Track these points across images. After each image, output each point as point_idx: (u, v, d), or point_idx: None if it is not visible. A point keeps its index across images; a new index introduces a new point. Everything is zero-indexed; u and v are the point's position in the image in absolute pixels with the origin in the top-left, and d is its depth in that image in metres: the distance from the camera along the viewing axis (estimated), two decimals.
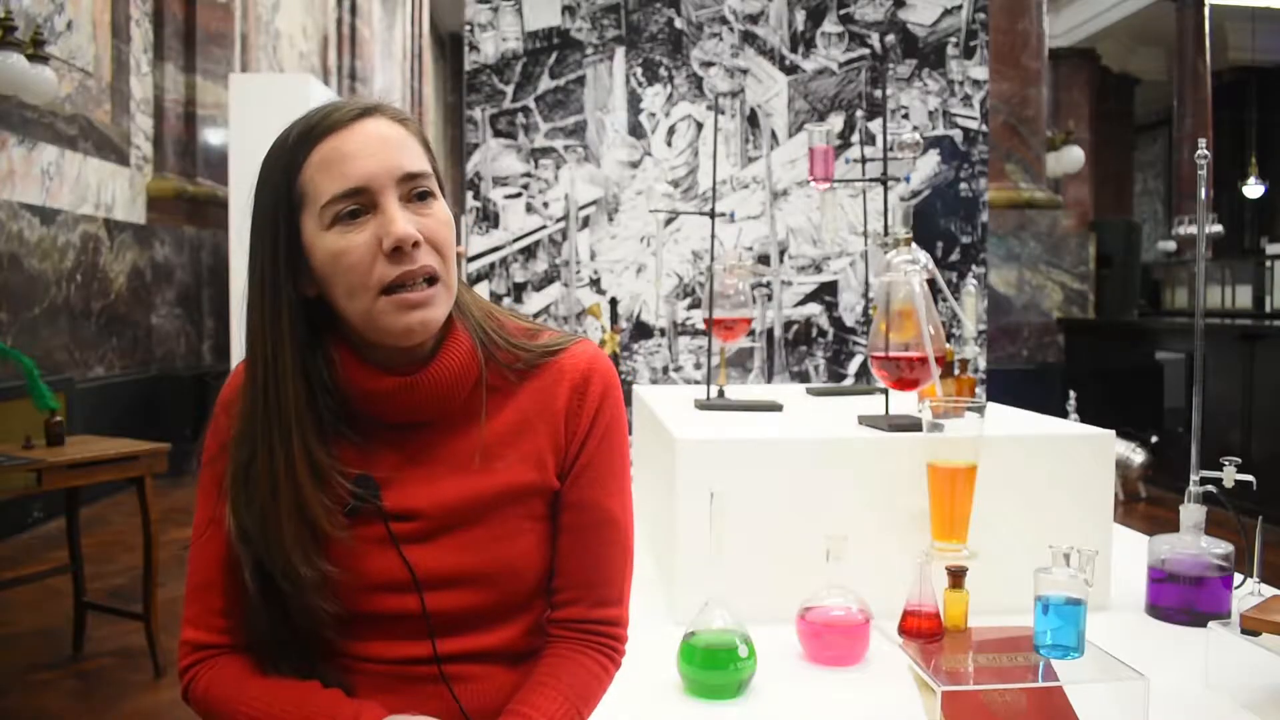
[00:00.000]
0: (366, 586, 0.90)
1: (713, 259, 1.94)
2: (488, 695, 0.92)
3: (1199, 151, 1.45)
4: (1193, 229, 7.89)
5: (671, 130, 3.33)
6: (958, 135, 3.41)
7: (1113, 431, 1.51)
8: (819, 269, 3.36)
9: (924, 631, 1.25)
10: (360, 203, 0.85)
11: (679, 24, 3.32)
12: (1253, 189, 10.28)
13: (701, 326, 3.23)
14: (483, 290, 3.21)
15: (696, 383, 3.26)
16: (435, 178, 0.91)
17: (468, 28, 3.28)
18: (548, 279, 3.28)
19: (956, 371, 1.78)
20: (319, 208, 0.85)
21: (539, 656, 0.96)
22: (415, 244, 0.85)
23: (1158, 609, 1.42)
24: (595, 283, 3.28)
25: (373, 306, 0.85)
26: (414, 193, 0.87)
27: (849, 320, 3.37)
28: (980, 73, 3.42)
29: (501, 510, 0.92)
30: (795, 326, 3.37)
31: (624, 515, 0.98)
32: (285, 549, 0.86)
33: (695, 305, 3.29)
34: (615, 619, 0.97)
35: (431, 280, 0.86)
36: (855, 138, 3.34)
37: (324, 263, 0.86)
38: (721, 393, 1.91)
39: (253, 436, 0.88)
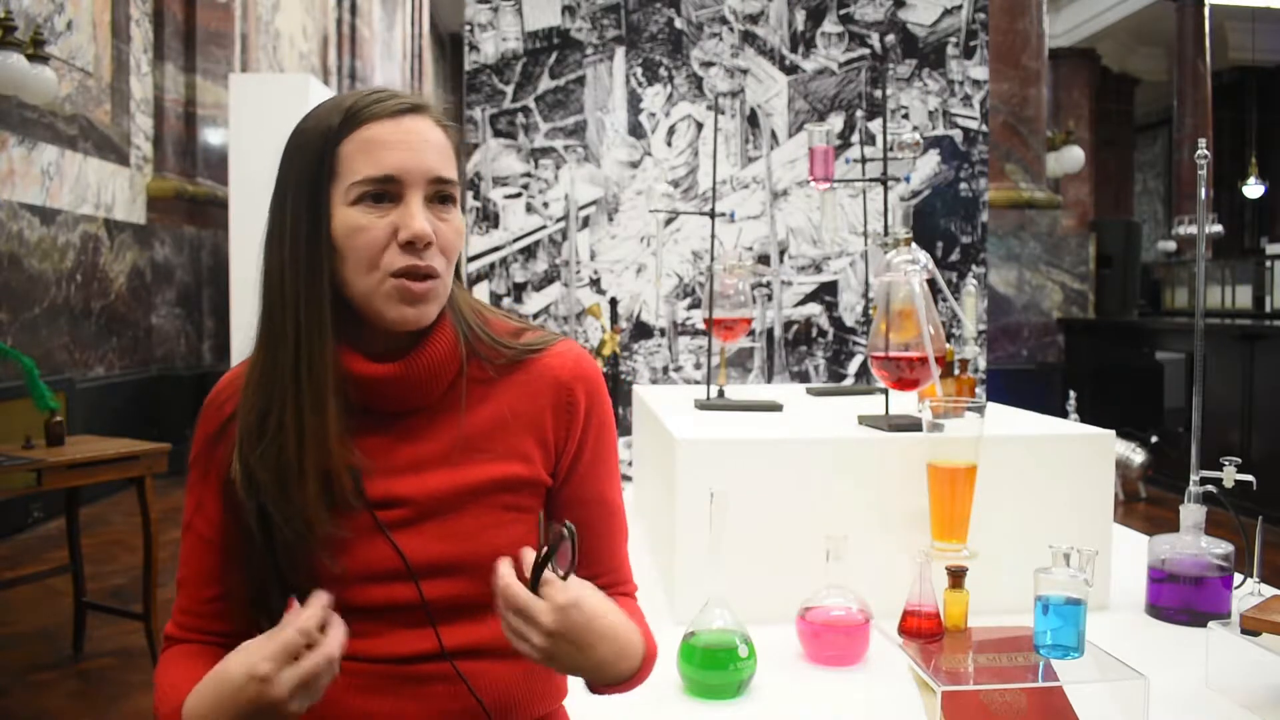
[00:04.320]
0: (356, 577, 0.90)
1: (713, 259, 1.94)
2: (488, 690, 0.92)
3: (1199, 151, 1.45)
4: (1193, 229, 7.89)
5: (671, 130, 3.33)
6: (958, 135, 3.41)
7: (1113, 431, 1.51)
8: (819, 269, 3.36)
9: (924, 631, 1.25)
10: (387, 189, 0.88)
11: (679, 24, 3.32)
12: (1253, 189, 10.28)
13: (701, 326, 3.23)
14: (482, 290, 3.20)
15: (696, 383, 3.25)
16: (460, 188, 0.94)
17: (468, 28, 3.28)
18: (548, 279, 3.28)
19: (956, 371, 1.78)
20: (347, 184, 0.88)
21: None
22: (428, 244, 0.88)
23: (1158, 609, 1.42)
24: (595, 283, 3.28)
25: (378, 287, 0.88)
26: (438, 195, 0.90)
27: (849, 320, 3.37)
28: (980, 73, 3.42)
29: (485, 500, 0.94)
30: (795, 326, 3.37)
31: (621, 499, 1.05)
32: (307, 504, 0.88)
33: (695, 305, 3.29)
34: (631, 590, 1.05)
35: (432, 277, 0.89)
36: (855, 138, 3.34)
37: (340, 233, 0.88)
38: (721, 393, 1.91)
39: (269, 391, 0.89)
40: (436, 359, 0.93)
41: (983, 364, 3.49)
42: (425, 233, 0.87)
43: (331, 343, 0.90)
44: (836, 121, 3.35)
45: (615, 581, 1.03)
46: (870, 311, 2.13)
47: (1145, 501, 5.11)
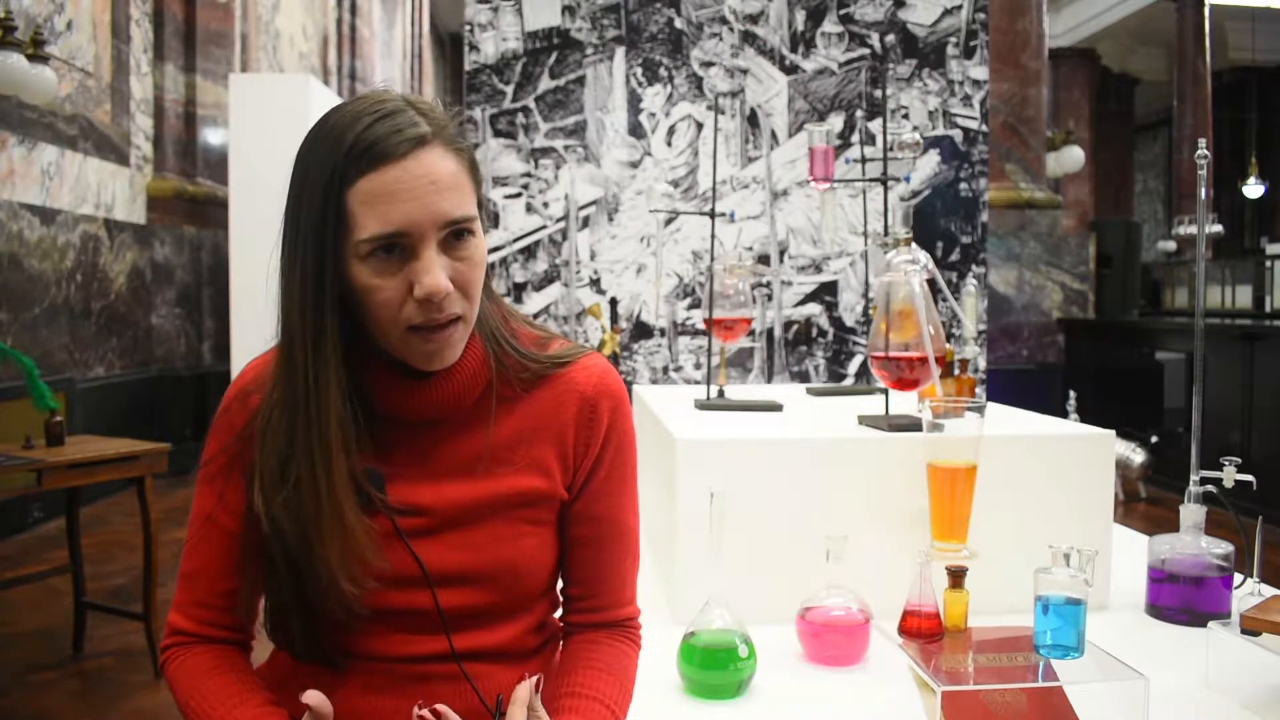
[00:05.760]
0: (374, 582, 0.90)
1: (713, 259, 1.94)
2: (492, 692, 0.94)
3: (1199, 151, 1.45)
4: (1193, 229, 7.89)
5: (671, 130, 3.33)
6: (958, 135, 3.41)
7: (1113, 431, 1.51)
8: (819, 269, 3.36)
9: (924, 631, 1.25)
10: (398, 243, 0.84)
11: (679, 24, 3.32)
12: (1253, 189, 10.29)
13: (701, 326, 3.23)
14: None
15: (696, 383, 3.25)
16: (478, 207, 0.89)
17: (468, 28, 3.28)
18: (548, 279, 3.27)
19: (956, 371, 1.79)
20: (357, 239, 0.84)
21: (567, 644, 1.02)
22: (445, 294, 0.85)
23: (1158, 609, 1.42)
24: (595, 283, 3.28)
25: (398, 339, 0.87)
26: (453, 233, 0.86)
27: (849, 320, 3.37)
28: (980, 73, 3.42)
29: (505, 513, 0.94)
30: (795, 326, 3.37)
31: (635, 523, 1.04)
32: (330, 566, 0.86)
33: (695, 305, 3.29)
34: (632, 615, 1.04)
35: (454, 323, 0.87)
36: (855, 138, 3.34)
37: (358, 285, 0.86)
38: (721, 393, 1.91)
39: (289, 437, 0.87)
40: (465, 378, 0.93)
41: (983, 364, 3.49)
42: (439, 288, 0.83)
43: (342, 392, 0.87)
44: (836, 121, 3.35)
45: (612, 605, 1.02)
46: (870, 311, 2.13)
47: (1145, 501, 5.11)
